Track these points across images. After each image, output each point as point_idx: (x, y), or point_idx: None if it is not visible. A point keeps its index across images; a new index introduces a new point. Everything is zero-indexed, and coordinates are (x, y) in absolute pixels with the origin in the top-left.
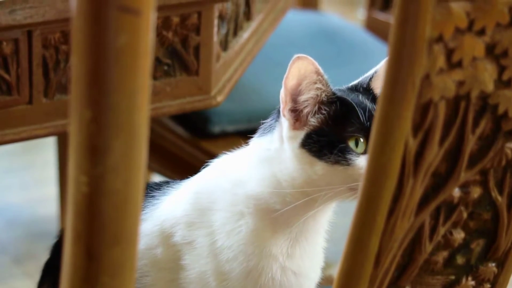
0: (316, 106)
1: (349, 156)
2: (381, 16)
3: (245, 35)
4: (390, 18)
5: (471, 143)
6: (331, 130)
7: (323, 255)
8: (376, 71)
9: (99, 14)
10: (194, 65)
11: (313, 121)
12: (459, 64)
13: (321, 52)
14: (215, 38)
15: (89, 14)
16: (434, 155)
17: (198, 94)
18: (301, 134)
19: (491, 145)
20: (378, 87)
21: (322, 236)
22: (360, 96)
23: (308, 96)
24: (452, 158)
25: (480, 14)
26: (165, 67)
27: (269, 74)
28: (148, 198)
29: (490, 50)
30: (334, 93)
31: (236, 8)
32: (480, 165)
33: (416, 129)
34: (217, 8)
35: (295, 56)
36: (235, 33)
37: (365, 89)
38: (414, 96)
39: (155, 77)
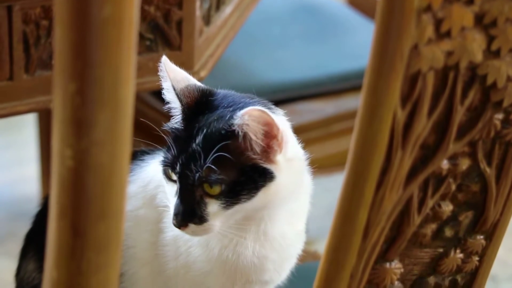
0: (178, 117)
1: (164, 177)
2: None
3: (227, 9)
4: None
5: (459, 114)
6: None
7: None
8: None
9: None
10: (176, 40)
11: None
12: (447, 34)
13: (303, 28)
14: (198, 13)
15: None
16: (423, 126)
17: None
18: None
19: (480, 116)
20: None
21: (294, 223)
22: (206, 132)
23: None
24: (441, 129)
25: None
26: (147, 42)
27: (251, 50)
28: (137, 161)
29: (479, 19)
30: (184, 110)
31: None
32: (468, 136)
33: (404, 100)
34: None
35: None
36: (218, 8)
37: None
38: (403, 67)
39: (137, 52)
